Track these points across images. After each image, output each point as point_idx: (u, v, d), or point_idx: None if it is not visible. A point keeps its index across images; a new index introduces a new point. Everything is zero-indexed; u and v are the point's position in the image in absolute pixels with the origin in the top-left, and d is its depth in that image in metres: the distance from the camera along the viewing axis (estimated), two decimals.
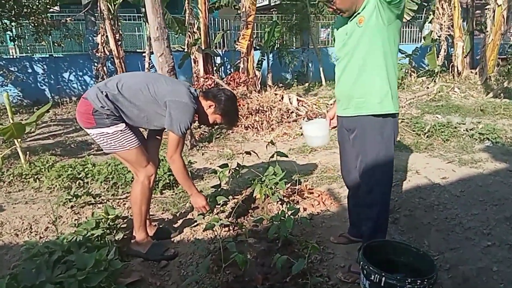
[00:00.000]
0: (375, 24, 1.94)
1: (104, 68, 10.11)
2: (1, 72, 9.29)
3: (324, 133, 2.47)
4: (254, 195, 3.03)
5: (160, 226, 2.87)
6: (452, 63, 11.31)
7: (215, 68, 10.70)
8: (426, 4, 12.90)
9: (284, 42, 12.62)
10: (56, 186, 3.68)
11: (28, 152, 4.44)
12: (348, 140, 2.27)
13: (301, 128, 5.47)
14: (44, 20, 8.41)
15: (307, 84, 11.94)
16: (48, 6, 8.58)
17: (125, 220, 2.89)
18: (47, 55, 10.85)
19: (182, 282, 2.23)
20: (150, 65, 10.63)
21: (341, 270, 2.27)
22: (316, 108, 7.14)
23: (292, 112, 6.75)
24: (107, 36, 9.63)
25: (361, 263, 1.83)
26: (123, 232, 2.59)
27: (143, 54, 10.88)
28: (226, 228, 2.74)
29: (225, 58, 12.33)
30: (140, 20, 11.99)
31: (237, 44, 9.35)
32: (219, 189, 3.04)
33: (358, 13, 1.99)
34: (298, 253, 2.35)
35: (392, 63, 2.05)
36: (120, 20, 10.35)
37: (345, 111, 2.19)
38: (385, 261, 1.92)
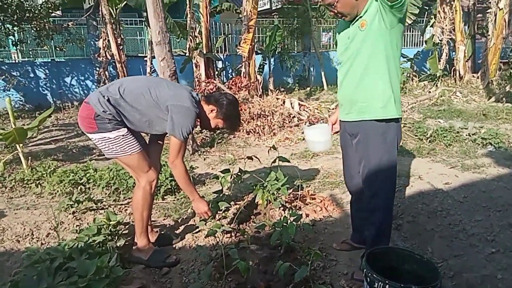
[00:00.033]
0: (377, 28, 1.94)
1: (106, 72, 10.13)
2: (4, 77, 9.32)
3: (326, 138, 2.46)
4: (256, 201, 3.02)
5: (162, 232, 2.86)
6: (453, 67, 11.32)
7: (216, 72, 10.71)
8: (427, 8, 12.92)
9: (286, 46, 12.64)
10: (57, 191, 3.67)
11: (30, 157, 4.45)
12: (351, 145, 2.26)
13: (303, 133, 5.47)
14: (46, 24, 8.44)
15: (308, 88, 11.94)
16: (50, 11, 8.61)
17: (126, 226, 2.88)
18: (49, 60, 10.88)
19: None
20: (152, 70, 10.65)
21: (344, 278, 2.26)
22: (318, 112, 7.13)
23: (294, 116, 6.74)
24: (109, 41, 9.66)
25: (364, 270, 1.81)
26: (124, 239, 2.58)
27: (145, 59, 10.91)
28: (228, 235, 2.73)
29: (226, 63, 12.35)
30: (142, 24, 12.03)
31: (238, 48, 9.36)
32: (221, 195, 3.03)
33: (360, 17, 1.99)
34: (301, 260, 2.34)
35: (394, 67, 2.04)
36: (121, 25, 10.40)
37: (347, 116, 2.19)
38: (388, 268, 1.90)
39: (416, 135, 5.45)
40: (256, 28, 10.09)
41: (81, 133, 6.28)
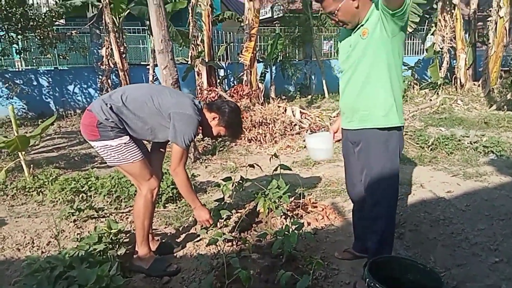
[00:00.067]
0: (379, 36, 1.95)
1: (109, 80, 10.19)
2: (7, 85, 9.38)
3: (328, 146, 2.45)
4: (257, 209, 3.00)
5: (163, 240, 2.84)
6: (454, 75, 11.35)
7: (218, 80, 10.76)
8: (428, 16, 12.99)
9: (287, 54, 12.70)
10: (59, 199, 3.67)
11: (32, 165, 4.46)
12: (353, 153, 2.26)
13: (304, 141, 5.47)
14: (50, 33, 8.51)
15: (310, 96, 11.97)
16: (54, 19, 8.68)
17: (127, 235, 2.87)
18: (52, 68, 10.96)
19: None
20: (154, 78, 10.71)
21: (346, 287, 2.24)
22: (319, 120, 7.14)
23: (295, 124, 6.74)
24: (111, 49, 9.72)
25: (367, 280, 1.80)
26: (125, 247, 2.57)
27: (147, 67, 10.98)
28: (230, 243, 2.71)
29: (228, 71, 12.41)
30: (145, 33, 12.12)
31: (240, 57, 9.41)
32: (222, 203, 3.02)
33: (362, 25, 2.00)
34: (303, 269, 2.32)
35: (396, 76, 2.04)
36: (124, 33, 10.48)
37: (349, 124, 2.19)
38: (391, 278, 1.88)
39: (417, 143, 5.44)
40: (258, 36, 10.16)
41: (83, 140, 6.30)
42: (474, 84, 11.00)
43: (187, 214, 3.30)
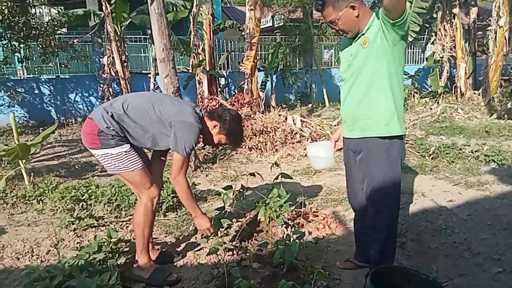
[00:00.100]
0: (380, 45, 1.95)
1: (110, 89, 10.22)
2: (9, 93, 9.41)
3: (329, 155, 2.45)
4: (258, 218, 2.99)
5: (163, 250, 2.82)
6: (455, 84, 11.38)
7: (219, 89, 10.79)
8: (428, 26, 13.07)
9: (288, 63, 12.76)
10: (59, 208, 3.66)
11: (32, 173, 4.45)
12: (354, 162, 2.25)
13: (305, 149, 5.46)
14: (52, 42, 8.55)
15: (310, 105, 12.00)
16: (56, 28, 8.75)
17: (127, 244, 2.85)
18: (54, 76, 11.00)
19: None
20: (155, 86, 10.74)
21: None
22: (320, 129, 7.14)
23: (296, 133, 6.75)
24: (113, 58, 9.78)
25: None
26: (125, 256, 2.55)
27: (149, 75, 11.02)
28: (230, 252, 2.70)
29: (229, 79, 12.46)
30: (146, 42, 12.18)
31: (241, 65, 9.45)
32: (223, 212, 3.00)
33: (363, 34, 2.01)
34: (304, 279, 2.30)
35: (397, 84, 2.05)
36: (126, 42, 10.54)
37: (350, 133, 2.19)
38: (393, 287, 1.87)
39: (418, 152, 5.43)
40: (259, 45, 10.21)
41: (84, 149, 6.29)
42: (475, 93, 11.02)
43: (187, 223, 3.28)
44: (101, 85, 10.44)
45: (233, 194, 3.08)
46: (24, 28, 7.85)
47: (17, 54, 8.66)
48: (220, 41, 12.73)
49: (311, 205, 3.54)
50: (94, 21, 10.28)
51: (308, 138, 6.48)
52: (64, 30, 11.44)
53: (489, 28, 10.13)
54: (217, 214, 2.99)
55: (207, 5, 9.57)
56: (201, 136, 2.50)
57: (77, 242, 3.00)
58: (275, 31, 16.19)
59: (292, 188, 3.59)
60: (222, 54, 12.28)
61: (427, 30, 13.39)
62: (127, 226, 3.32)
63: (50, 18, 9.26)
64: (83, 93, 10.96)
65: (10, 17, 7.56)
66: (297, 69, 13.39)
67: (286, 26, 13.11)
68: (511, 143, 6.18)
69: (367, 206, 2.20)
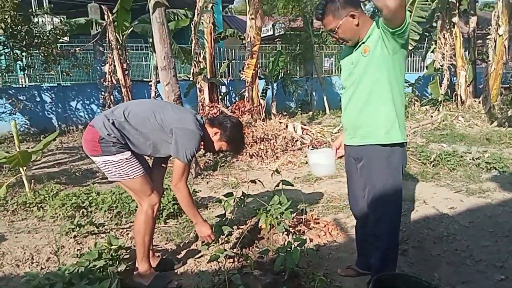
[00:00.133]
0: (380, 54, 1.96)
1: (111, 96, 10.26)
2: (10, 100, 9.45)
3: (330, 162, 2.45)
4: (259, 225, 2.98)
5: (164, 257, 2.81)
6: (455, 92, 11.41)
7: (220, 97, 10.82)
8: (428, 34, 13.15)
9: (288, 71, 12.81)
10: (59, 215, 3.65)
11: (33, 181, 4.45)
12: (355, 169, 2.26)
13: (306, 156, 5.46)
14: (54, 50, 8.62)
15: (311, 112, 12.03)
16: (58, 37, 8.82)
17: (128, 251, 2.85)
18: (56, 84, 11.06)
19: None
20: (157, 94, 10.78)
21: None
22: (321, 136, 7.15)
23: (297, 140, 6.75)
24: (114, 66, 9.83)
25: None
26: (125, 263, 2.55)
27: (150, 83, 11.07)
28: (231, 260, 2.68)
29: (230, 87, 12.51)
30: (147, 50, 12.27)
31: (242, 74, 9.49)
32: (224, 219, 3.00)
33: (363, 42, 2.02)
34: (305, 286, 2.29)
35: (398, 92, 2.05)
36: (127, 50, 10.61)
37: (351, 140, 2.19)
38: None
39: (419, 159, 5.43)
40: (260, 53, 10.26)
41: (85, 156, 6.30)
42: (475, 101, 11.05)
43: (188, 230, 3.27)
44: (103, 93, 10.49)
45: (234, 201, 3.08)
46: (26, 37, 7.92)
47: (19, 62, 8.72)
48: (221, 49, 12.81)
49: (312, 212, 3.53)
50: (96, 29, 10.36)
51: (309, 146, 6.48)
52: (66, 38, 11.53)
53: (488, 36, 10.19)
54: (218, 221, 2.99)
55: (208, 14, 9.64)
56: (202, 143, 2.51)
57: (78, 249, 2.99)
58: (276, 40, 16.31)
59: (293, 195, 3.58)
60: (223, 62, 12.34)
61: (427, 39, 13.47)
62: (128, 233, 3.31)
63: (52, 26, 9.34)
64: (85, 100, 11.01)
65: (13, 26, 7.63)
66: (298, 77, 13.45)
67: (286, 34, 13.20)
68: None
69: (369, 213, 2.20)
